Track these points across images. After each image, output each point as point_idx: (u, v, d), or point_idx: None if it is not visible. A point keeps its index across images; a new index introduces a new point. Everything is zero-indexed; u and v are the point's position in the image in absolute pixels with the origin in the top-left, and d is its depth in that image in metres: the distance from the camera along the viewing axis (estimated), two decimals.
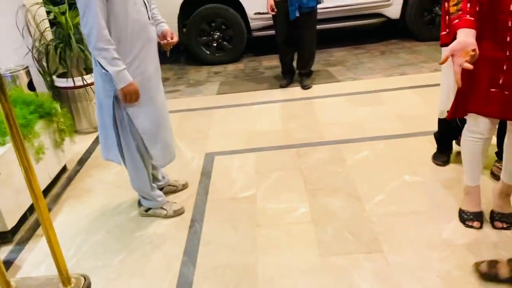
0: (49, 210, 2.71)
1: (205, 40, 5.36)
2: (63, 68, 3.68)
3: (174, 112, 3.86)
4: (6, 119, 1.50)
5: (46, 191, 2.83)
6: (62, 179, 3.05)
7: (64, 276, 1.72)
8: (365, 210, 2.37)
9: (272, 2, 4.03)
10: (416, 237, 2.13)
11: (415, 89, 3.95)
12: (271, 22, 4.67)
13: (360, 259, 2.03)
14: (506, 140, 2.06)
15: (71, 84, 3.53)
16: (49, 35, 3.66)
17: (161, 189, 2.64)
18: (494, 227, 2.14)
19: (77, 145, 3.43)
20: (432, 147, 2.85)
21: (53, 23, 3.69)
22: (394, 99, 3.78)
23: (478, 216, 2.17)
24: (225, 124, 3.67)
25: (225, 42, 5.40)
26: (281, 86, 4.40)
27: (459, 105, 2.01)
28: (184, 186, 2.77)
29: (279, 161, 2.97)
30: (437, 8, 5.29)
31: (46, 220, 1.63)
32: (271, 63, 5.25)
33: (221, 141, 3.37)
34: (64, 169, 3.12)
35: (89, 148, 3.48)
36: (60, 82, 3.59)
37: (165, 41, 2.36)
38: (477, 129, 2.02)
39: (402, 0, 5.23)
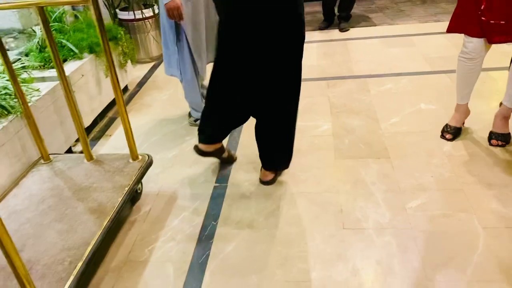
0: (114, 119, 3.27)
1: None
2: (124, 3, 4.15)
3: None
4: (102, 41, 1.93)
5: (111, 104, 3.37)
6: (125, 96, 3.59)
7: (134, 153, 2.24)
8: (380, 128, 2.76)
9: None
10: (420, 149, 2.51)
11: (446, 34, 4.15)
12: None
13: (369, 162, 2.44)
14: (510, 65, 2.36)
15: (132, 17, 4.01)
16: None
17: None
18: (490, 144, 2.48)
19: (136, 71, 3.95)
20: (452, 83, 3.15)
21: None
22: (424, 42, 4.03)
23: (454, 130, 2.55)
24: None
25: None
26: (320, 28, 4.70)
27: (452, 23, 2.36)
28: None
29: (311, 90, 3.36)
30: None
31: (123, 110, 2.13)
32: (313, 8, 5.52)
33: None
34: (125, 88, 3.66)
35: (146, 74, 3.99)
36: (122, 15, 4.07)
37: None
38: (465, 50, 2.35)
39: None
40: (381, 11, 5.20)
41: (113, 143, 2.94)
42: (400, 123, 2.80)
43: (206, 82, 3.15)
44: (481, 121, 2.69)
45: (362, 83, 3.38)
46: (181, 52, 2.71)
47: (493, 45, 2.29)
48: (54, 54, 2.02)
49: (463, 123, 2.64)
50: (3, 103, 2.20)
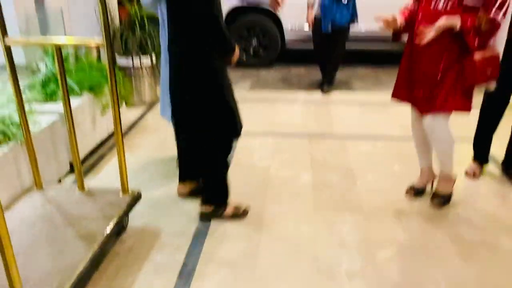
0: (103, 156, 3.39)
1: (244, 45, 6.05)
2: (124, 50, 4.41)
3: None
4: (110, 81, 2.12)
5: (104, 142, 3.50)
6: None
7: (124, 187, 2.36)
8: (356, 184, 2.96)
9: (312, 17, 4.70)
10: (392, 206, 2.70)
11: None
12: (303, 36, 5.33)
13: (345, 214, 2.62)
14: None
15: (130, 64, 4.25)
16: (117, 21, 4.39)
17: None
18: (432, 203, 2.75)
19: (128, 113, 4.13)
20: None
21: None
22: (399, 111, 4.34)
23: (416, 191, 2.83)
24: (252, 113, 4.31)
25: (261, 49, 6.08)
26: (323, 90, 5.01)
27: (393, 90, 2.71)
28: None
29: (293, 145, 3.58)
30: None
31: (120, 144, 2.28)
32: (299, 72, 5.90)
33: (247, 125, 3.97)
34: None
35: (138, 117, 4.17)
36: (121, 60, 4.31)
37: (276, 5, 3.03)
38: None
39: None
40: (362, 79, 5.59)
41: (101, 179, 3.04)
42: (374, 181, 3.01)
43: None
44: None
45: (341, 143, 3.62)
46: None
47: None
48: (64, 90, 2.19)
49: (431, 184, 2.86)
50: (7, 130, 2.33)
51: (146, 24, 4.20)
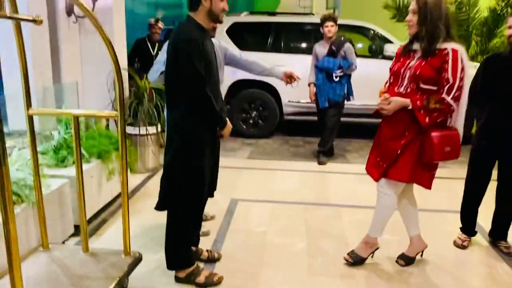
0: (106, 220, 3.52)
1: (244, 117, 6.38)
2: (131, 120, 4.69)
3: None
4: (121, 150, 2.34)
5: (107, 206, 3.65)
6: (118, 202, 3.88)
7: (127, 249, 2.48)
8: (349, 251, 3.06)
9: (313, 92, 5.09)
10: (382, 273, 2.80)
11: None
12: (301, 109, 5.67)
13: (336, 280, 2.71)
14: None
15: (137, 132, 4.50)
16: (127, 93, 4.71)
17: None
18: (344, 257, 2.93)
19: (132, 179, 4.30)
20: None
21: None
22: None
23: (402, 256, 2.98)
24: (251, 181, 4.49)
25: (260, 121, 6.40)
26: (320, 163, 5.22)
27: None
28: (212, 218, 3.55)
29: (289, 212, 3.72)
30: None
31: (126, 207, 2.44)
32: (296, 142, 6.17)
33: (245, 192, 4.18)
34: (120, 195, 3.96)
35: (141, 183, 4.34)
36: (128, 129, 4.57)
37: (290, 80, 3.16)
38: None
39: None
40: (356, 151, 5.83)
41: (103, 241, 3.15)
42: None
43: None
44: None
45: (335, 211, 3.76)
46: None
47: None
48: (77, 156, 2.39)
49: (422, 253, 2.98)
50: (20, 192, 2.50)
51: (154, 96, 4.50)
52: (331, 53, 4.99)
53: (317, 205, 3.91)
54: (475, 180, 3.17)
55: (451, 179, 4.60)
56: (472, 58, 7.87)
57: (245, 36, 6.48)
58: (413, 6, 2.54)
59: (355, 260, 2.90)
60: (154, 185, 4.30)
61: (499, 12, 7.47)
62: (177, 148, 2.43)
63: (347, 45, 5.00)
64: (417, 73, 2.52)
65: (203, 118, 2.41)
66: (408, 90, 2.57)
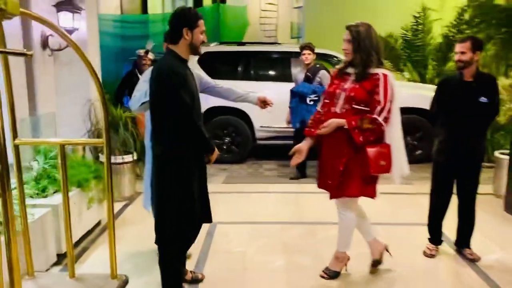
0: (87, 248, 3.54)
1: (218, 143, 6.51)
2: None
3: None
4: (107, 176, 2.44)
5: (86, 234, 3.68)
6: (97, 230, 3.91)
7: (113, 272, 2.55)
8: (325, 264, 3.21)
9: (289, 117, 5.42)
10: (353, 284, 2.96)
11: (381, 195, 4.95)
12: (273, 133, 5.88)
13: None
14: None
15: (113, 161, 4.56)
16: (101, 124, 4.79)
17: None
18: (320, 275, 3.08)
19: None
20: (384, 233, 3.75)
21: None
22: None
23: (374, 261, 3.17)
24: (228, 204, 4.60)
25: (233, 146, 6.55)
26: (291, 178, 5.45)
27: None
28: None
29: (267, 232, 3.86)
30: (408, 138, 6.51)
31: (112, 230, 2.52)
32: (270, 166, 6.35)
33: (223, 215, 4.26)
34: (99, 223, 4.00)
35: (118, 211, 4.38)
36: (103, 158, 4.62)
37: (264, 104, 3.30)
38: None
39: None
40: None
41: (86, 269, 3.18)
42: None
43: None
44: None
45: (310, 229, 3.92)
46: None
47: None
48: (64, 183, 2.47)
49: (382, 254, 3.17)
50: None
51: (129, 125, 4.60)
52: (307, 79, 5.31)
53: (293, 223, 4.06)
54: (437, 194, 3.42)
55: (416, 194, 4.87)
56: (430, 81, 8.38)
57: (216, 65, 6.69)
58: (347, 36, 2.82)
59: (331, 275, 3.06)
60: (132, 213, 4.36)
61: (451, 37, 8.03)
62: (167, 179, 2.49)
63: (322, 71, 5.32)
64: (352, 95, 2.78)
65: (191, 146, 2.50)
66: (344, 110, 2.81)
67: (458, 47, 3.17)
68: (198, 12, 2.55)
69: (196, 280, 2.98)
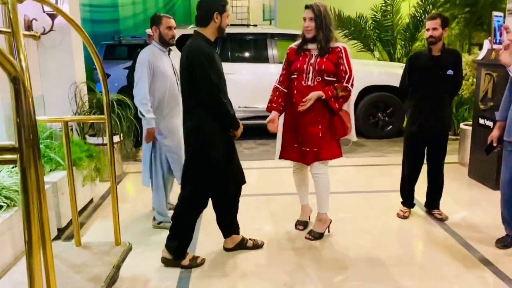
0: (83, 223, 3.71)
1: None
2: (92, 130, 4.87)
3: None
4: (110, 149, 2.63)
5: (82, 211, 3.83)
6: (91, 207, 4.07)
7: (117, 239, 2.74)
8: (308, 229, 3.50)
9: None
10: (335, 243, 3.26)
11: (357, 167, 5.29)
12: (250, 114, 6.11)
13: (303, 252, 3.13)
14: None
15: (100, 142, 4.69)
16: (86, 105, 4.89)
17: (169, 209, 3.73)
18: (306, 237, 3.39)
19: (100, 187, 4.49)
20: (364, 201, 4.07)
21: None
22: (337, 171, 5.07)
23: (302, 223, 3.56)
24: None
25: None
26: None
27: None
28: None
29: (254, 203, 4.11)
30: (379, 114, 6.86)
31: (115, 200, 2.70)
32: (249, 145, 6.59)
33: None
34: (91, 201, 4.16)
35: (108, 190, 4.53)
36: (91, 139, 4.74)
37: None
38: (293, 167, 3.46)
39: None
40: None
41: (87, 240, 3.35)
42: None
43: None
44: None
45: (293, 199, 4.19)
46: (155, 164, 3.43)
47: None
48: (68, 157, 2.63)
49: (309, 218, 3.60)
50: (12, 196, 2.68)
51: (116, 107, 4.72)
52: None
53: (277, 195, 4.33)
54: (409, 161, 3.74)
55: (389, 165, 5.23)
56: (399, 60, 8.75)
57: None
58: (310, 14, 3.09)
59: (316, 237, 3.35)
60: (120, 192, 4.46)
61: (418, 18, 8.40)
62: (199, 150, 2.77)
63: None
64: (322, 67, 3.09)
65: (219, 122, 2.76)
66: (315, 82, 3.11)
67: (430, 24, 3.39)
68: None
69: (257, 246, 3.24)
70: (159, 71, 3.32)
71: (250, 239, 3.26)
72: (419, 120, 3.57)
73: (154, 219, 3.64)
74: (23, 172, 1.60)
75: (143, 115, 3.26)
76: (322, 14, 3.05)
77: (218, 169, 2.82)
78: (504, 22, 1.65)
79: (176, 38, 3.51)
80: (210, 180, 2.84)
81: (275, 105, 3.25)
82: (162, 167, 3.47)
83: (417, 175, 3.75)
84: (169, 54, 3.51)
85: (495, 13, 1.66)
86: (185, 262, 2.94)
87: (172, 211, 3.78)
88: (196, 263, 2.97)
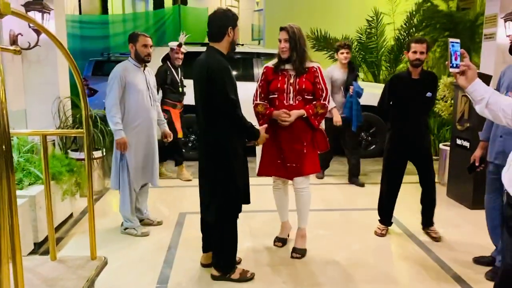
0: (61, 238, 3.69)
1: (183, 140, 6.70)
2: (75, 145, 4.88)
3: (154, 188, 5.01)
4: (87, 165, 2.65)
5: (60, 226, 3.82)
6: (69, 222, 4.05)
7: (93, 253, 2.74)
8: (288, 249, 3.52)
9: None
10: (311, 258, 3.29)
11: (338, 185, 5.35)
12: None
13: (281, 268, 3.14)
14: None
15: (82, 157, 4.69)
16: (70, 120, 4.91)
17: (141, 220, 3.84)
18: (292, 257, 3.37)
19: (80, 202, 4.47)
20: (342, 217, 4.11)
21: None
22: (318, 189, 5.12)
23: (281, 240, 3.57)
24: (195, 196, 4.78)
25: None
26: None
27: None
28: (159, 223, 3.96)
29: None
30: (362, 134, 6.95)
31: (91, 213, 2.71)
32: None
33: (192, 205, 4.50)
34: (71, 215, 4.14)
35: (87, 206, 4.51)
36: (73, 154, 4.74)
37: (165, 139, 3.95)
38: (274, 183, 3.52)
39: None
40: None
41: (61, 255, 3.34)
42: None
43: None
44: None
45: (273, 215, 4.22)
46: (122, 172, 3.58)
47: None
48: (46, 170, 2.64)
49: (288, 235, 3.61)
50: None
51: (98, 122, 4.74)
52: (355, 78, 5.32)
53: (257, 212, 4.35)
54: (388, 178, 3.80)
55: (370, 184, 5.29)
56: (383, 81, 8.92)
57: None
58: (285, 36, 3.20)
59: (302, 253, 3.37)
60: (101, 207, 4.51)
61: (402, 40, 8.61)
62: (222, 163, 2.81)
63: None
64: (303, 87, 3.21)
65: (238, 134, 2.85)
66: (297, 101, 3.22)
67: (418, 47, 3.48)
68: None
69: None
70: (131, 85, 3.52)
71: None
72: (399, 139, 3.67)
73: (122, 224, 3.78)
74: None
75: (111, 126, 3.48)
76: (297, 36, 3.15)
77: (237, 185, 2.88)
78: (460, 48, 1.77)
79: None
80: (237, 189, 2.88)
81: (261, 122, 3.30)
82: (129, 173, 3.61)
83: (396, 193, 3.80)
84: (144, 69, 3.69)
85: (450, 39, 1.77)
86: (235, 275, 2.98)
87: (145, 220, 3.86)
88: (246, 277, 3.00)
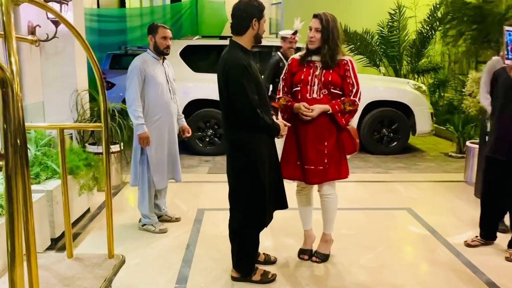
0: (78, 234, 3.63)
1: (200, 135, 6.62)
2: (93, 139, 4.81)
3: (173, 182, 4.93)
4: (106, 159, 2.56)
5: (77, 221, 3.76)
6: (87, 217, 3.99)
7: (111, 252, 2.65)
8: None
9: None
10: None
11: (360, 183, 5.18)
12: None
13: (292, 272, 3.02)
14: None
15: (99, 151, 4.63)
16: (88, 113, 4.84)
17: (159, 217, 3.75)
18: (312, 260, 3.19)
19: (97, 197, 4.41)
20: (365, 217, 3.96)
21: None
22: (341, 187, 4.96)
23: (306, 252, 3.23)
24: (213, 192, 4.74)
25: (215, 138, 6.66)
26: None
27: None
28: (177, 220, 3.87)
29: None
30: (384, 130, 6.76)
31: (109, 211, 2.62)
32: None
33: (210, 202, 4.43)
34: (88, 210, 4.08)
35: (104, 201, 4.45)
36: (91, 148, 4.68)
37: (184, 135, 3.74)
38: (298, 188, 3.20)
39: (356, 122, 6.67)
40: None
41: (79, 251, 3.26)
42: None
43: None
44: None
45: (294, 213, 4.09)
46: (142, 169, 3.48)
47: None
48: (63, 165, 2.56)
49: (312, 247, 3.27)
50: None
51: (117, 116, 4.67)
52: None
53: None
54: (491, 195, 3.44)
55: (394, 182, 5.12)
56: (405, 76, 8.69)
57: (197, 58, 6.80)
58: (316, 25, 2.90)
59: (323, 259, 3.18)
60: (119, 202, 4.44)
61: (425, 34, 8.35)
62: (246, 165, 2.68)
63: None
64: (329, 79, 2.91)
65: (260, 132, 2.68)
66: (321, 95, 2.93)
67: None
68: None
69: (269, 262, 3.13)
70: (150, 77, 3.42)
71: (263, 253, 3.18)
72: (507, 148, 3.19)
73: (139, 220, 3.71)
74: (8, 179, 1.54)
75: (132, 120, 3.39)
76: (330, 26, 2.86)
77: (261, 189, 2.73)
78: None
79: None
80: (263, 194, 2.73)
81: (289, 111, 3.04)
82: (149, 170, 3.52)
83: (499, 206, 3.43)
84: (163, 62, 3.58)
85: (506, 27, 1.56)
86: (256, 277, 2.89)
87: (163, 216, 3.77)
88: (268, 278, 2.90)
